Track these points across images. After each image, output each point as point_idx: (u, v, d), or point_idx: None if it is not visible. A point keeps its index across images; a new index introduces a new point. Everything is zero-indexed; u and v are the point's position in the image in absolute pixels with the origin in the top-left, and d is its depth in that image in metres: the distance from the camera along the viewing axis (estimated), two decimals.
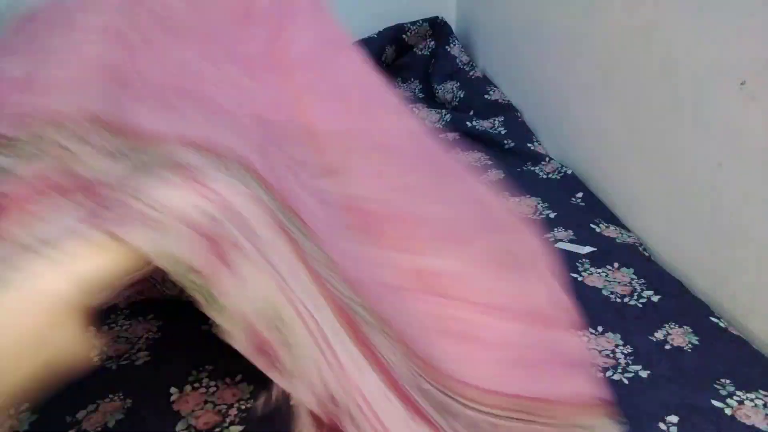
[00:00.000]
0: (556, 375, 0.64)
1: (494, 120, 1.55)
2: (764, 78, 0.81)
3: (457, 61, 1.72)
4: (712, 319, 0.86)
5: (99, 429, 0.70)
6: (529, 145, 1.44)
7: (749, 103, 0.84)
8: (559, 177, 1.31)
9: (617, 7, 1.11)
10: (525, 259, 0.70)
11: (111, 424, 0.71)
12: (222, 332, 0.46)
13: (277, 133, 0.61)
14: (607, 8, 1.14)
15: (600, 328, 0.86)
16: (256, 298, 0.48)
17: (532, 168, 1.36)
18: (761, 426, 0.68)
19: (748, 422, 0.69)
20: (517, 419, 0.60)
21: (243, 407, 0.73)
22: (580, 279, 0.97)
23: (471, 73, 1.68)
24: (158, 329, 0.88)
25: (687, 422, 0.69)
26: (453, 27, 1.80)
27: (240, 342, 0.47)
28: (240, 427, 0.70)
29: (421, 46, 1.84)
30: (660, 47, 1.01)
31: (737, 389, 0.73)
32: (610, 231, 1.10)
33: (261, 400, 0.54)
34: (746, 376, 0.75)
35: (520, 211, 1.18)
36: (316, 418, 0.52)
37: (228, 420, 0.71)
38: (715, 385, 0.74)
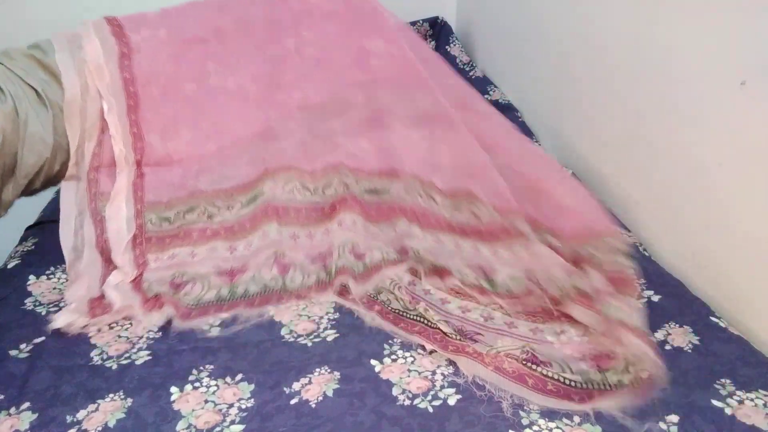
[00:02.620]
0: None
1: None
2: (764, 78, 0.82)
3: (457, 61, 1.72)
4: (712, 319, 0.86)
5: (99, 429, 0.70)
6: None
7: (749, 103, 0.84)
8: None
9: (617, 6, 1.11)
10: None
11: (111, 424, 0.71)
12: None
13: None
14: (608, 8, 1.14)
15: None
16: None
17: None
18: (761, 426, 0.68)
19: (748, 422, 0.69)
20: None
21: (243, 407, 0.73)
22: None
23: (471, 73, 1.68)
24: (158, 329, 0.88)
25: (687, 422, 0.69)
26: (453, 27, 1.80)
27: None
28: (240, 427, 0.70)
29: None
30: (660, 47, 1.01)
31: (737, 389, 0.73)
32: None
33: None
34: (746, 376, 0.75)
35: None
36: None
37: (228, 419, 0.71)
38: (715, 385, 0.74)
